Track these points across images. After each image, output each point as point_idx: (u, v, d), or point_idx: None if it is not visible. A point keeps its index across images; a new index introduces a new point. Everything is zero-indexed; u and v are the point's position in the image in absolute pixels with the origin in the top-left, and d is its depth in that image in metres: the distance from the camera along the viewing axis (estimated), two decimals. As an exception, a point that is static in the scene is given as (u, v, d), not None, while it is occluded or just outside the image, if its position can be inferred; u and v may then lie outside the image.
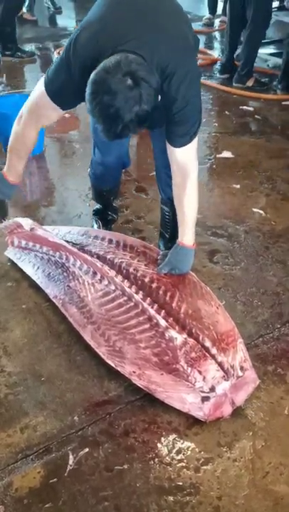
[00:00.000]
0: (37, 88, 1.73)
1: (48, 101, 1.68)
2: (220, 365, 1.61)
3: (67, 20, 6.24)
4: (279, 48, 5.14)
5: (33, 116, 1.79)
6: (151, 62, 1.48)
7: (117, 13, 1.54)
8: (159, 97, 1.52)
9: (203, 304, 1.79)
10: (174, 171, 1.80)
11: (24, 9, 6.09)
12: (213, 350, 1.63)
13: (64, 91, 1.63)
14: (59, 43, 5.43)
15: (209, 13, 6.09)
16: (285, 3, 5.23)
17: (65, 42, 5.74)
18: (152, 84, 1.43)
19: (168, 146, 1.74)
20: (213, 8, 6.17)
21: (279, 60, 4.65)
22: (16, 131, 1.88)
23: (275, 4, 4.91)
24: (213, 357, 1.62)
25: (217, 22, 6.20)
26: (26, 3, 6.14)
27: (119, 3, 1.58)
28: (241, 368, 1.61)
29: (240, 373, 1.60)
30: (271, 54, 5.03)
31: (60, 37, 5.64)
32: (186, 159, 1.74)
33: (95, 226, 2.40)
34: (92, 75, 1.42)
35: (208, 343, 1.65)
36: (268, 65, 4.87)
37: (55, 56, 4.95)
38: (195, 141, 1.72)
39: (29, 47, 5.30)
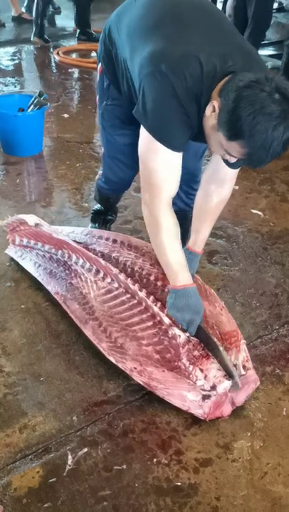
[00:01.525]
0: (141, 151, 1.55)
1: (155, 151, 1.50)
2: None
3: (66, 21, 6.23)
4: (278, 49, 5.16)
5: (153, 183, 1.56)
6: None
7: (200, 33, 1.46)
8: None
9: (207, 305, 1.81)
10: (211, 186, 1.76)
11: (23, 9, 6.10)
12: (202, 325, 1.64)
13: (173, 127, 1.48)
14: (58, 43, 5.44)
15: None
16: (284, 5, 5.25)
17: (63, 42, 5.77)
18: None
19: (219, 164, 1.67)
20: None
21: (278, 62, 4.66)
22: (151, 225, 1.64)
23: (274, 6, 4.90)
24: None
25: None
26: (25, 3, 6.14)
27: (190, 24, 1.48)
28: (244, 367, 1.63)
29: (242, 372, 1.61)
30: (270, 55, 5.05)
31: (58, 37, 5.64)
32: (233, 178, 1.75)
33: (92, 226, 2.40)
34: (233, 97, 1.32)
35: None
36: (267, 67, 4.88)
37: (55, 57, 4.94)
38: None
39: (28, 47, 5.30)
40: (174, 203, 2.05)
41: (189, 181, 1.97)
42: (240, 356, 1.65)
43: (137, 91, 1.55)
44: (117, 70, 1.73)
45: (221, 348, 1.61)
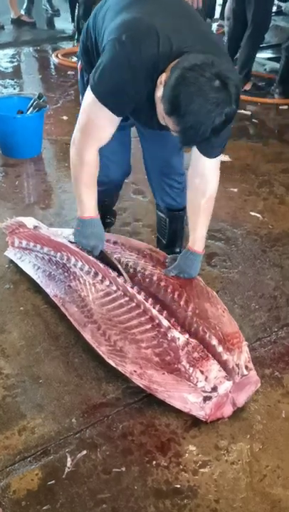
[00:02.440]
0: (84, 101, 1.63)
1: (99, 108, 1.57)
2: (225, 363, 1.62)
3: (65, 23, 6.24)
4: (276, 52, 5.18)
5: (87, 134, 1.66)
6: None
7: (171, 18, 1.50)
8: None
9: (209, 306, 1.81)
10: (195, 181, 1.79)
11: (22, 11, 6.11)
12: (219, 348, 1.65)
13: (118, 92, 1.54)
14: (56, 45, 5.44)
15: (207, 16, 6.11)
16: (283, 8, 5.27)
17: (62, 44, 5.77)
18: (236, 82, 1.38)
19: (197, 157, 1.72)
20: (210, 11, 6.19)
21: (276, 65, 4.68)
22: (75, 162, 1.72)
23: (273, 9, 4.92)
24: (219, 355, 1.64)
25: (215, 26, 6.23)
26: (24, 6, 6.15)
27: (162, 7, 1.53)
28: (246, 368, 1.63)
29: (245, 372, 1.62)
30: (268, 58, 5.07)
31: (57, 39, 5.65)
32: (213, 170, 1.76)
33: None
34: (176, 75, 1.36)
35: (214, 341, 1.67)
36: (266, 70, 4.90)
37: (54, 59, 4.96)
38: (224, 151, 1.74)
39: (27, 49, 5.31)
40: (162, 200, 2.11)
41: (171, 174, 2.00)
42: (242, 357, 1.65)
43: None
44: (93, 60, 1.73)
45: (116, 262, 1.86)
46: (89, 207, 1.79)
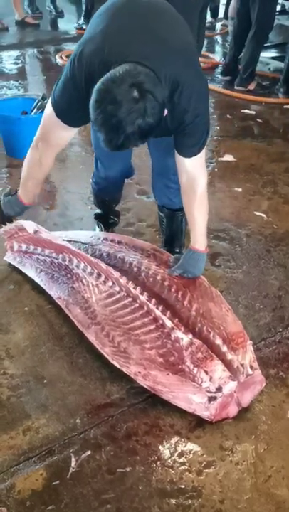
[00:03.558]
0: (46, 108, 1.73)
1: (57, 121, 1.67)
2: (230, 363, 1.62)
3: (69, 24, 6.26)
4: (280, 51, 5.17)
5: (47, 141, 1.79)
6: (160, 73, 1.44)
7: (120, 26, 1.51)
8: (166, 111, 1.49)
9: (213, 306, 1.81)
10: (183, 180, 1.80)
11: (25, 7, 6.15)
12: (224, 348, 1.65)
13: (71, 107, 1.62)
14: (60, 46, 5.46)
15: (211, 16, 6.11)
16: (287, 7, 5.26)
17: (66, 46, 5.83)
18: (158, 98, 1.39)
19: (177, 156, 1.74)
20: (214, 11, 6.19)
21: (281, 64, 4.68)
22: (32, 159, 1.87)
23: (277, 8, 4.91)
24: (223, 355, 1.64)
25: (219, 25, 6.23)
26: (26, 4, 6.20)
27: (119, 15, 1.54)
28: (251, 367, 1.63)
29: (250, 371, 1.61)
30: (273, 58, 5.06)
31: (61, 41, 5.66)
32: (196, 168, 1.76)
33: (97, 229, 2.41)
34: (98, 83, 1.39)
35: (218, 341, 1.67)
36: (270, 69, 4.90)
37: (58, 60, 4.97)
38: (203, 150, 1.73)
39: (31, 51, 5.33)
40: (159, 199, 2.15)
41: (168, 174, 1.99)
42: (247, 357, 1.65)
43: None
44: None
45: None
46: (29, 195, 1.99)
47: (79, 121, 1.70)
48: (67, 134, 1.77)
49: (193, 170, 1.75)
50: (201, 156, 1.74)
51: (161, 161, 1.99)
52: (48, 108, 1.70)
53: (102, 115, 1.38)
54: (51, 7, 6.57)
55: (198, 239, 1.88)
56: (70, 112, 1.65)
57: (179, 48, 1.55)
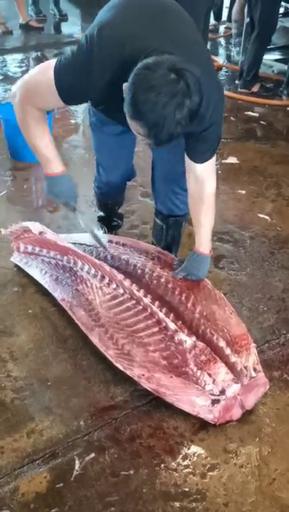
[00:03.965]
0: (43, 70, 1.58)
1: (53, 90, 1.54)
2: (233, 365, 1.62)
3: (73, 27, 6.28)
4: (284, 53, 5.17)
5: (30, 98, 1.61)
6: None
7: (140, 20, 1.48)
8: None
9: (217, 308, 1.81)
10: (192, 185, 1.79)
11: (32, 13, 6.18)
12: (227, 351, 1.64)
13: (75, 87, 1.53)
14: (64, 49, 5.46)
15: (214, 19, 6.12)
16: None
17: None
18: (195, 74, 1.35)
19: (187, 160, 1.73)
20: (218, 14, 6.20)
21: (284, 66, 4.67)
22: (20, 117, 1.67)
23: (280, 10, 4.91)
24: (227, 357, 1.63)
25: (222, 28, 6.23)
26: (30, 7, 6.23)
27: (138, 11, 1.51)
28: (254, 370, 1.63)
29: (253, 374, 1.61)
30: (276, 60, 5.06)
31: (64, 44, 5.67)
32: (206, 173, 1.75)
33: (100, 231, 2.41)
34: (130, 78, 1.34)
35: (222, 344, 1.66)
36: (273, 71, 4.89)
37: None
38: (214, 155, 1.73)
39: (35, 54, 5.34)
40: (164, 206, 2.10)
41: (176, 180, 1.98)
42: (251, 359, 1.65)
43: None
44: None
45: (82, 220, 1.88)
46: (51, 161, 1.74)
47: (74, 102, 1.66)
48: (55, 104, 1.62)
49: (203, 175, 1.75)
50: (212, 161, 1.74)
51: (170, 166, 1.96)
52: (49, 71, 1.54)
53: (147, 105, 1.31)
54: (55, 10, 6.59)
55: (203, 242, 1.88)
56: (72, 91, 1.55)
57: (199, 51, 1.56)
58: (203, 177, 1.76)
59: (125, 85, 1.40)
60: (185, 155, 1.73)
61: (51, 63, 1.55)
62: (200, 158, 1.70)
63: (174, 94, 1.30)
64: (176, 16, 1.59)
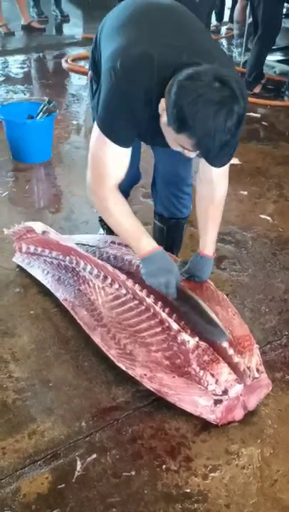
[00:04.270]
0: (91, 138, 1.59)
1: (104, 142, 1.53)
2: (236, 366, 1.61)
3: (75, 29, 6.29)
4: (286, 54, 5.17)
5: (99, 176, 1.60)
6: None
7: (158, 39, 1.47)
8: None
9: (220, 309, 1.80)
10: (204, 188, 1.78)
11: (33, 14, 6.19)
12: (230, 351, 1.64)
13: (119, 123, 1.51)
14: (66, 51, 5.48)
15: (216, 20, 6.12)
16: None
17: (71, 50, 5.82)
18: (237, 77, 1.34)
19: (204, 164, 1.68)
20: (219, 15, 6.21)
21: (286, 67, 4.68)
22: (99, 207, 1.67)
23: (283, 11, 4.90)
24: (230, 358, 1.63)
25: (224, 29, 6.23)
26: (31, 9, 6.24)
27: (149, 28, 1.50)
28: (257, 370, 1.62)
29: (256, 375, 1.61)
30: (278, 61, 5.06)
31: (67, 45, 5.69)
32: (221, 177, 1.75)
33: (102, 231, 2.41)
34: (174, 91, 1.32)
35: (225, 344, 1.66)
36: (275, 72, 4.89)
37: (63, 64, 4.98)
38: (231, 158, 1.73)
39: (37, 55, 5.35)
40: (165, 209, 2.09)
41: (179, 184, 1.98)
42: (254, 360, 1.64)
43: None
44: (100, 72, 1.73)
45: (204, 305, 1.63)
46: (143, 242, 1.66)
47: (129, 137, 1.57)
48: (120, 159, 1.57)
49: (218, 179, 1.75)
50: (227, 165, 1.74)
51: (173, 169, 1.94)
52: (95, 131, 1.55)
53: (197, 117, 1.29)
54: (57, 11, 6.60)
55: (208, 245, 1.87)
56: (120, 128, 1.52)
57: (225, 60, 1.56)
58: (217, 181, 1.75)
59: (164, 101, 1.40)
60: (202, 159, 1.70)
61: (94, 127, 1.55)
62: (219, 163, 1.67)
63: (223, 102, 1.30)
64: (188, 22, 1.59)
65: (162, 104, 1.42)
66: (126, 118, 1.50)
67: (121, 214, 1.65)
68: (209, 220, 1.83)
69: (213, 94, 1.30)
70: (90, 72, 1.88)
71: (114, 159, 1.57)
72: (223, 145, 1.35)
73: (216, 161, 1.64)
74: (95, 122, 1.57)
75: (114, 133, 1.53)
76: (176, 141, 1.44)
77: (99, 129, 1.54)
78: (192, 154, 1.46)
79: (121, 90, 1.46)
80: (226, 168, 1.74)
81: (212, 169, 1.71)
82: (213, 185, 1.76)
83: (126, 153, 1.58)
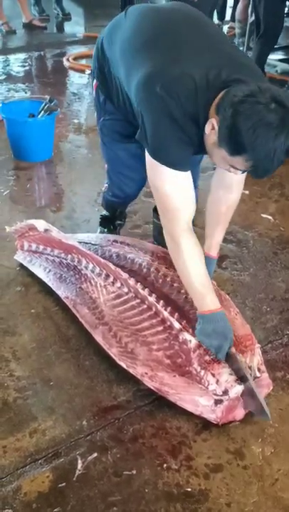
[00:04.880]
0: (151, 177, 1.56)
1: (166, 173, 1.49)
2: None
3: (76, 27, 6.29)
4: (288, 53, 5.16)
5: (172, 216, 1.56)
6: None
7: (192, 49, 1.46)
8: None
9: None
10: (220, 191, 1.79)
11: (34, 12, 6.18)
12: (232, 350, 1.64)
13: (175, 147, 1.48)
14: (67, 49, 5.48)
15: (218, 19, 6.11)
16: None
17: (73, 48, 5.81)
18: (287, 95, 1.34)
19: (225, 171, 1.61)
20: (221, 14, 6.19)
21: (288, 66, 4.66)
22: (173, 253, 1.63)
23: (285, 10, 4.89)
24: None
25: (226, 28, 6.22)
26: (32, 7, 6.24)
27: (183, 41, 1.48)
28: (259, 370, 1.63)
29: (257, 374, 1.61)
30: (280, 60, 5.05)
31: (68, 43, 5.69)
32: (240, 182, 1.76)
33: (102, 230, 2.40)
34: (230, 114, 1.32)
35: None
36: (277, 71, 4.88)
37: (65, 63, 4.96)
38: None
39: (38, 53, 5.35)
40: None
41: None
42: (255, 360, 1.64)
43: (135, 113, 1.57)
44: (111, 85, 1.75)
45: (250, 377, 1.57)
46: (208, 299, 1.62)
47: (188, 158, 1.53)
48: (185, 187, 1.53)
49: (237, 184, 1.76)
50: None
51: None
52: (152, 167, 1.52)
53: (258, 139, 1.29)
54: (58, 9, 6.60)
55: (214, 246, 1.88)
56: (177, 152, 1.49)
57: (254, 69, 1.58)
58: (237, 185, 1.77)
59: (213, 121, 1.38)
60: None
61: (148, 166, 1.53)
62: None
63: (283, 125, 1.29)
64: (215, 33, 1.59)
65: (210, 124, 1.40)
66: (179, 139, 1.47)
67: (191, 260, 1.59)
68: (220, 223, 1.84)
69: (271, 117, 1.29)
70: (95, 81, 1.86)
71: (178, 190, 1.53)
72: (280, 164, 1.35)
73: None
74: (148, 155, 1.52)
75: (170, 158, 1.49)
76: (227, 161, 1.42)
77: (155, 160, 1.50)
78: (239, 173, 1.46)
79: (168, 111, 1.43)
80: (244, 174, 1.72)
81: (232, 176, 1.68)
82: (229, 190, 1.77)
83: (189, 178, 1.54)
